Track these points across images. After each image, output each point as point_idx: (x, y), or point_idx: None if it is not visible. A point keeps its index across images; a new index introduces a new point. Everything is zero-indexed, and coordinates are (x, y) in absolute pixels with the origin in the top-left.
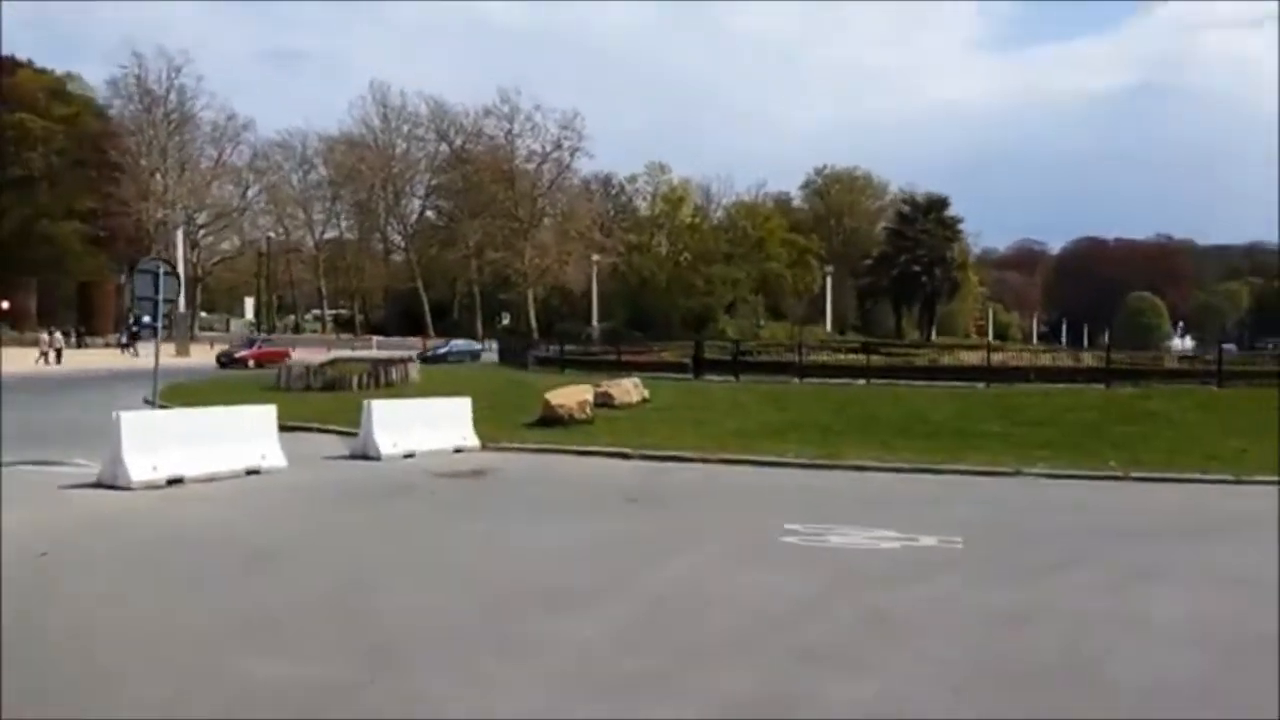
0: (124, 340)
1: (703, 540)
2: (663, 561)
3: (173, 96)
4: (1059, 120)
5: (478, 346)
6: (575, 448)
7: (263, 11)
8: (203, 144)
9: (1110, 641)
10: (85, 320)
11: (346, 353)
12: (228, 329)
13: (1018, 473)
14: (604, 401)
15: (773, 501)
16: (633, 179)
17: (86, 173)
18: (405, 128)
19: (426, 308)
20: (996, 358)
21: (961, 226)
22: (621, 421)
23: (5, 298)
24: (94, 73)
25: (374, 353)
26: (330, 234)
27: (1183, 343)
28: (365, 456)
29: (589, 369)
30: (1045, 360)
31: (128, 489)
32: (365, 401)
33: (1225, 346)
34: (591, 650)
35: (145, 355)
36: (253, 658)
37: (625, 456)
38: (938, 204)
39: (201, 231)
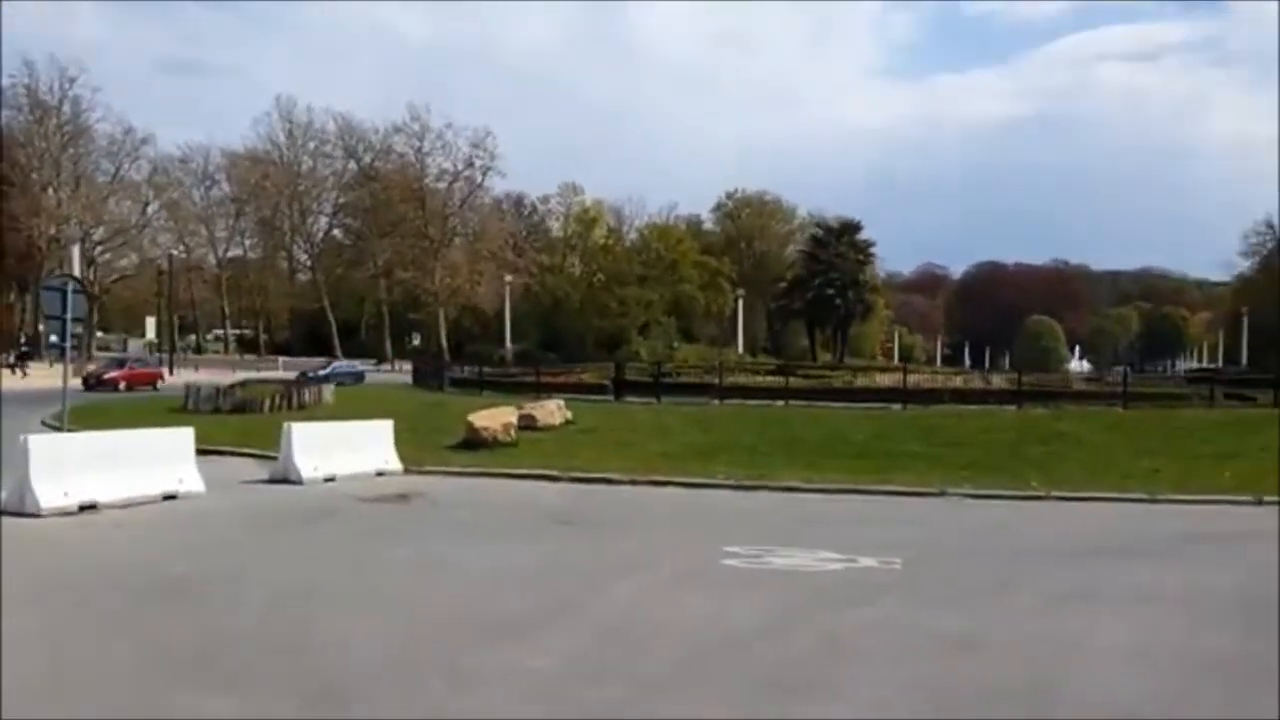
0: (12, 361)
1: (643, 563)
2: (606, 586)
3: (66, 108)
4: (960, 148)
5: (361, 368)
6: (501, 470)
7: (163, 22)
8: (99, 158)
9: (1062, 664)
10: None
11: (252, 374)
12: (125, 349)
13: (943, 493)
14: (527, 424)
15: (708, 523)
16: (545, 199)
17: None
18: (312, 144)
19: (334, 328)
20: (911, 380)
21: (873, 250)
22: (546, 443)
23: None
24: None
25: (240, 375)
26: (234, 252)
27: (1080, 365)
28: (286, 480)
29: (507, 390)
30: (958, 382)
31: (37, 516)
32: (285, 424)
33: (1119, 369)
34: (545, 680)
35: (35, 377)
36: (194, 694)
37: (553, 479)
38: (851, 228)
39: (99, 249)
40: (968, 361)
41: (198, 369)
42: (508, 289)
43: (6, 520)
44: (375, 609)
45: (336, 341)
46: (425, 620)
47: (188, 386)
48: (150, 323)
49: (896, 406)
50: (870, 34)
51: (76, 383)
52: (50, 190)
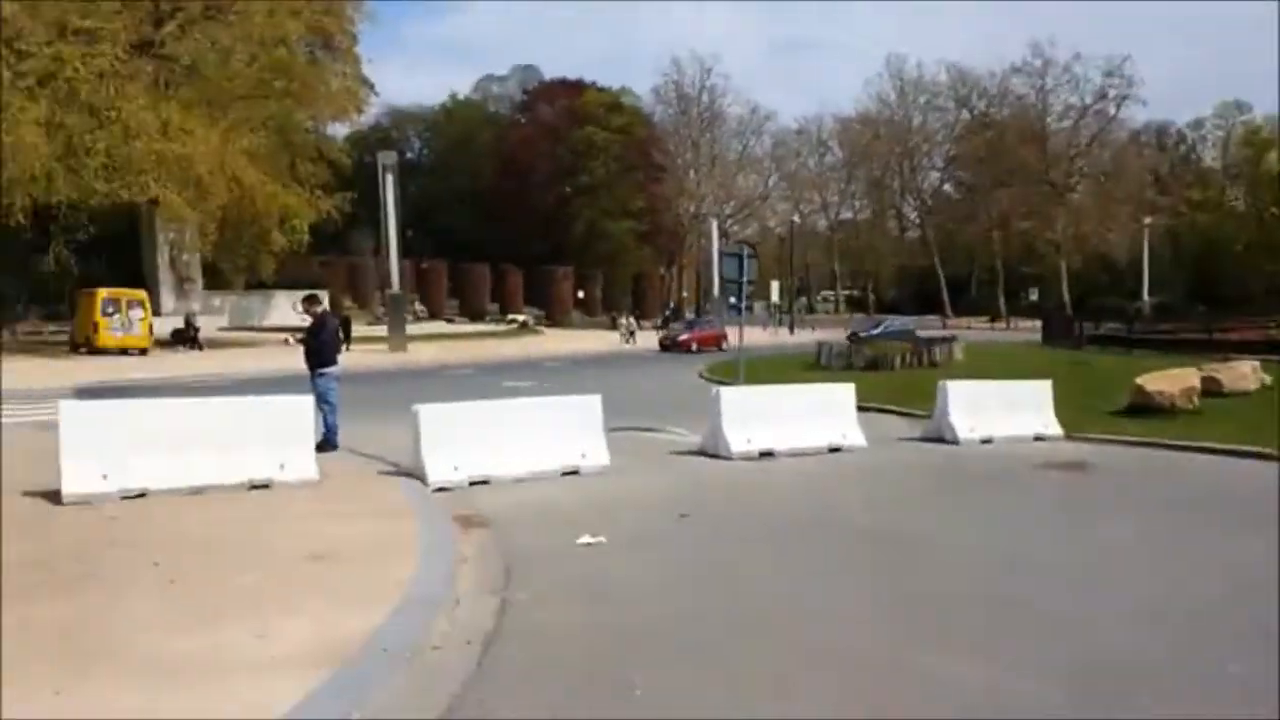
0: (659, 324)
1: None
2: None
3: (704, 97)
4: None
5: (911, 326)
6: (1188, 442)
7: (773, 8)
8: (729, 138)
9: None
10: (638, 306)
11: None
12: (750, 311)
13: None
14: (1211, 388)
15: None
16: (1197, 124)
17: (635, 176)
18: (922, 99)
19: (943, 284)
20: None
21: None
22: (1241, 412)
23: (579, 288)
24: (641, 84)
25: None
26: (844, 215)
27: None
28: (940, 439)
29: (1162, 349)
30: None
31: (728, 459)
32: (940, 382)
33: None
34: None
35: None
36: (935, 654)
37: (1266, 458)
38: None
39: (729, 221)
40: None
41: (814, 329)
42: (1145, 232)
43: (703, 460)
44: (1100, 587)
45: (945, 299)
46: (1172, 615)
47: (819, 344)
48: (774, 286)
49: None
50: None
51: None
52: (691, 173)
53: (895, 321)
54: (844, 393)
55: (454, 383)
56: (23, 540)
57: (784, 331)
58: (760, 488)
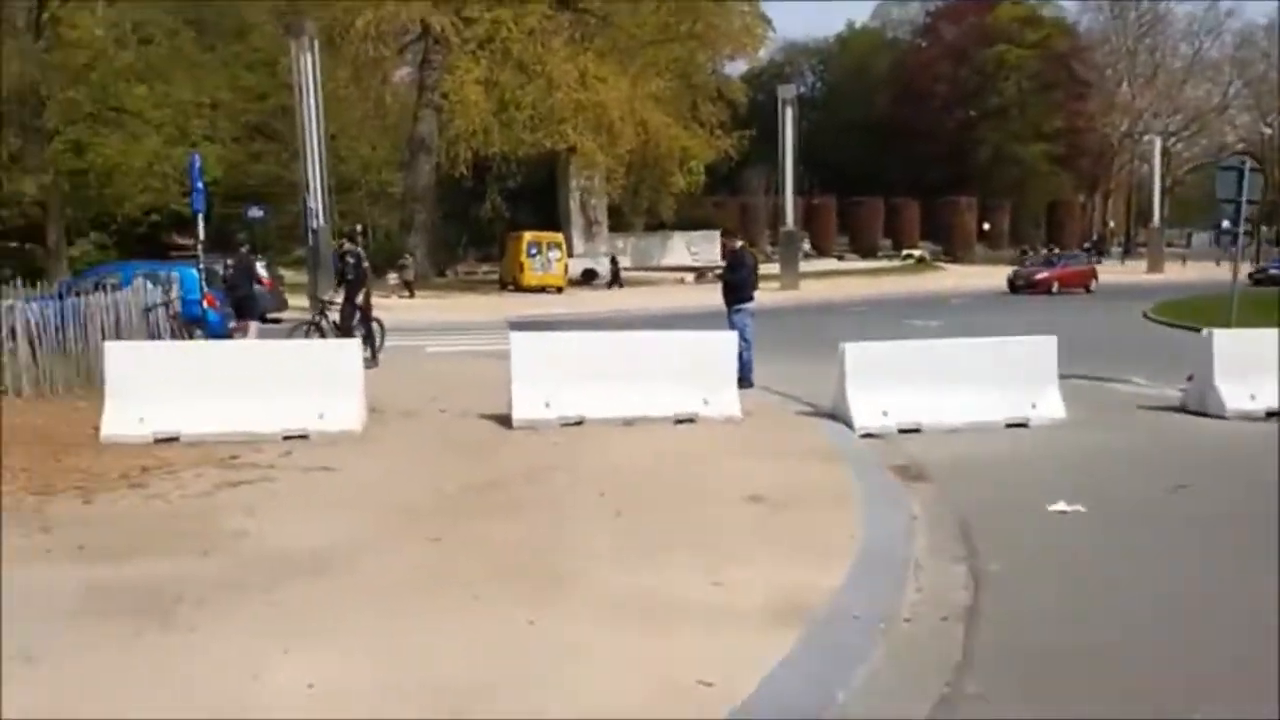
0: (1086, 248)
1: None
2: None
3: None
4: None
5: None
6: None
7: None
8: (1176, 42)
9: None
10: (1053, 237)
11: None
12: (1189, 244)
13: None
14: None
15: None
16: None
17: (1053, 94)
18: None
19: None
20: None
21: None
22: None
23: (983, 220)
24: None
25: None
26: None
27: None
28: None
29: None
30: None
31: (1220, 417)
32: None
33: None
34: None
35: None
36: None
37: None
38: None
39: (1172, 139)
40: None
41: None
42: None
43: (1189, 419)
44: None
45: None
46: None
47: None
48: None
49: None
50: None
51: (1188, 276)
52: (1124, 85)
53: None
54: None
55: (854, 320)
56: (482, 461)
57: (1244, 267)
58: (1271, 456)
